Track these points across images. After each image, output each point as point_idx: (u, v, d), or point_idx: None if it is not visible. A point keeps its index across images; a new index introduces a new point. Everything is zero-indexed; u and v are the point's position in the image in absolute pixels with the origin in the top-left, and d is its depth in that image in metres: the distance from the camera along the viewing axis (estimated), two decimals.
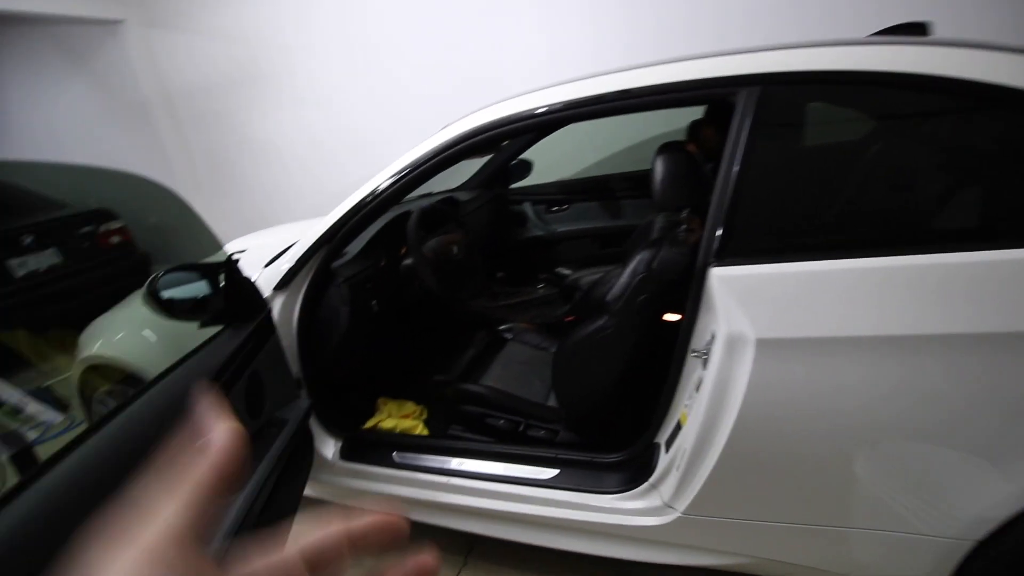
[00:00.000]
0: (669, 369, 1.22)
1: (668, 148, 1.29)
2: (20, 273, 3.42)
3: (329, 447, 1.58)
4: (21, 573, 0.58)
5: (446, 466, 1.46)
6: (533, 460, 1.40)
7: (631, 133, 2.75)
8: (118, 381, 1.78)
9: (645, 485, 1.24)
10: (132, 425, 0.87)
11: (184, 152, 4.39)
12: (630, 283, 1.28)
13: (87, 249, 3.81)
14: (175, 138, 4.35)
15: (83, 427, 0.86)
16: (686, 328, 1.15)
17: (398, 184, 1.39)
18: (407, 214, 1.71)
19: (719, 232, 1.04)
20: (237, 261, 1.24)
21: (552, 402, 1.63)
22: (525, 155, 2.61)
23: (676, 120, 2.52)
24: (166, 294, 1.14)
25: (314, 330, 1.53)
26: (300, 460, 1.42)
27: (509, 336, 1.97)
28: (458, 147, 1.34)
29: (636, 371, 1.38)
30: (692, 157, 1.28)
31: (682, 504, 1.15)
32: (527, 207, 2.75)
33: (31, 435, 2.59)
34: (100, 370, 1.77)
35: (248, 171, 4.27)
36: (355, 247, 1.66)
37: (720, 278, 1.02)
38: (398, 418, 1.74)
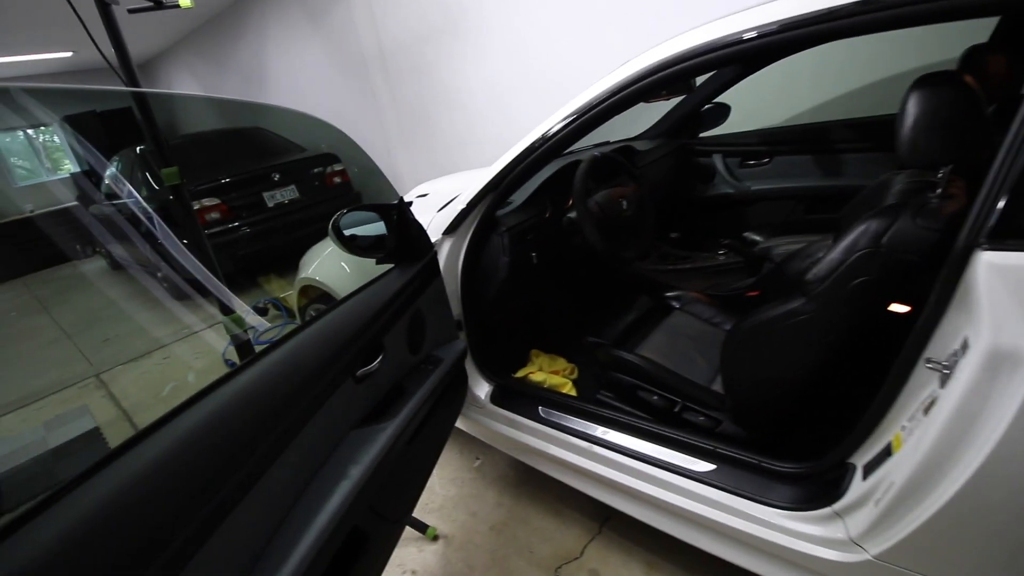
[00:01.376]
0: (882, 376, 0.95)
1: (933, 80, 0.94)
2: (271, 204, 4.26)
3: (482, 389, 1.64)
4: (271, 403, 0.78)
5: (591, 432, 1.40)
6: (688, 448, 1.25)
7: (868, 67, 2.17)
8: (320, 299, 2.10)
9: (827, 510, 1.01)
10: (320, 333, 0.98)
11: (392, 103, 4.87)
12: (844, 260, 1.01)
13: (317, 187, 4.56)
14: (386, 90, 4.83)
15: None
16: (923, 329, 0.86)
17: (568, 129, 1.29)
18: (577, 164, 1.60)
19: (1002, 202, 0.73)
20: (409, 204, 1.29)
21: (717, 387, 1.43)
22: (722, 98, 2.25)
23: (938, 50, 1.90)
24: (348, 231, 1.25)
25: (476, 275, 1.56)
26: (453, 396, 1.49)
27: (676, 305, 1.77)
28: (638, 86, 1.17)
29: (832, 371, 1.11)
30: (973, 94, 0.91)
31: (876, 547, 0.91)
32: (717, 159, 2.41)
33: (271, 334, 3.26)
34: (311, 289, 2.10)
35: (444, 120, 4.56)
36: (522, 196, 1.63)
37: (995, 267, 0.72)
38: (548, 372, 1.72)
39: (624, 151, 2.04)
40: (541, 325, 1.85)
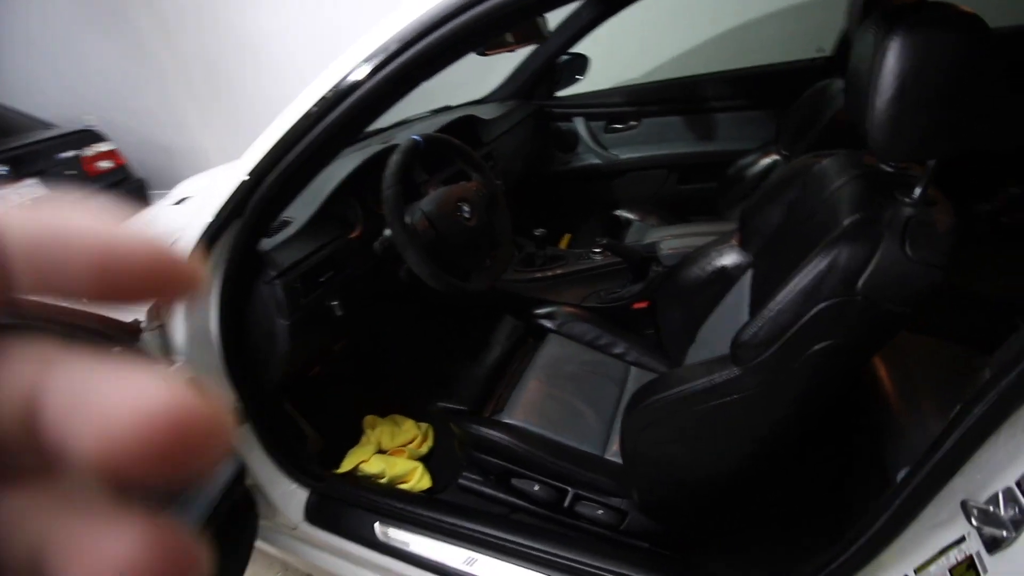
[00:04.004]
0: (860, 478, 0.62)
1: (930, 18, 0.56)
2: None
3: (293, 500, 1.10)
4: None
5: (449, 564, 0.94)
6: None
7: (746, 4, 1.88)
8: None
9: None
10: None
11: (173, 56, 3.74)
12: (800, 314, 0.63)
13: (74, 177, 3.37)
14: (160, 40, 3.68)
15: None
16: (956, 452, 0.51)
17: (365, 92, 0.74)
18: (393, 150, 1.06)
19: None
20: None
21: (613, 450, 1.05)
22: (579, 47, 1.82)
23: None
24: None
25: (245, 345, 0.98)
26: (232, 547, 0.93)
27: (550, 325, 1.37)
28: (464, 21, 0.66)
29: (778, 464, 0.77)
30: (989, 41, 0.55)
31: None
32: (579, 123, 2.01)
33: None
34: None
35: (248, 80, 3.60)
36: (307, 210, 1.05)
37: None
38: (390, 454, 1.23)
39: (465, 123, 1.53)
40: (371, 386, 1.34)
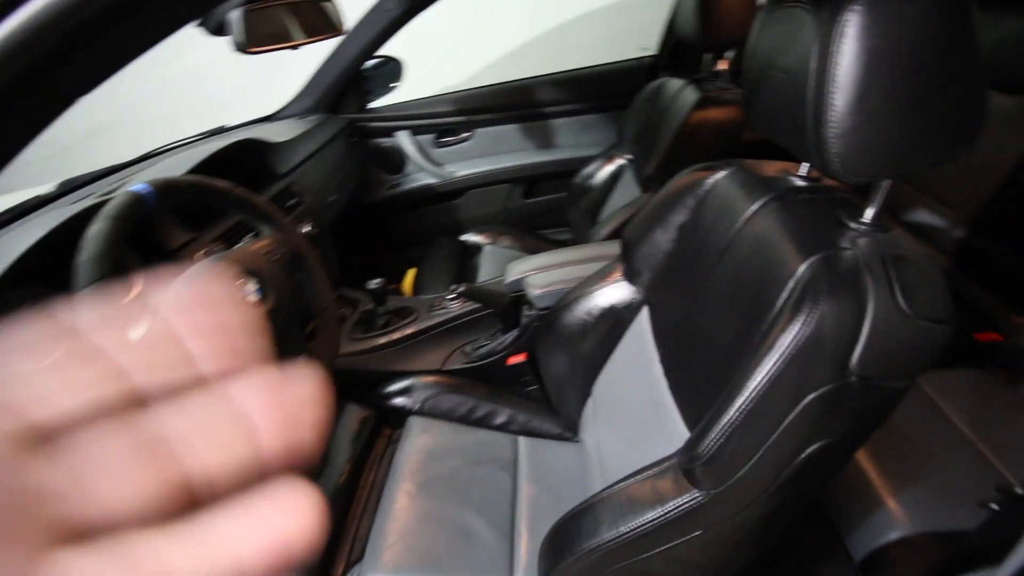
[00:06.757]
0: None
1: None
2: None
3: None
4: None
5: None
6: None
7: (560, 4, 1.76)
8: None
9: None
10: None
11: None
12: (784, 413, 0.43)
13: None
14: None
15: None
16: None
17: None
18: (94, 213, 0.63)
19: None
20: None
21: (520, 563, 0.79)
22: (388, 49, 1.52)
23: None
24: None
25: None
26: None
27: (408, 404, 1.05)
28: None
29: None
30: (971, 25, 0.40)
31: None
32: (403, 138, 1.71)
33: None
34: None
35: None
36: None
37: None
38: None
39: (247, 151, 1.12)
40: None
